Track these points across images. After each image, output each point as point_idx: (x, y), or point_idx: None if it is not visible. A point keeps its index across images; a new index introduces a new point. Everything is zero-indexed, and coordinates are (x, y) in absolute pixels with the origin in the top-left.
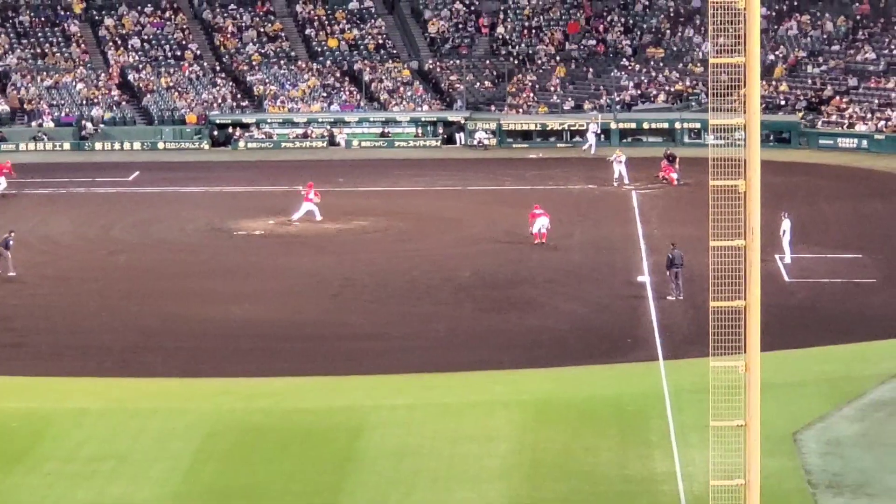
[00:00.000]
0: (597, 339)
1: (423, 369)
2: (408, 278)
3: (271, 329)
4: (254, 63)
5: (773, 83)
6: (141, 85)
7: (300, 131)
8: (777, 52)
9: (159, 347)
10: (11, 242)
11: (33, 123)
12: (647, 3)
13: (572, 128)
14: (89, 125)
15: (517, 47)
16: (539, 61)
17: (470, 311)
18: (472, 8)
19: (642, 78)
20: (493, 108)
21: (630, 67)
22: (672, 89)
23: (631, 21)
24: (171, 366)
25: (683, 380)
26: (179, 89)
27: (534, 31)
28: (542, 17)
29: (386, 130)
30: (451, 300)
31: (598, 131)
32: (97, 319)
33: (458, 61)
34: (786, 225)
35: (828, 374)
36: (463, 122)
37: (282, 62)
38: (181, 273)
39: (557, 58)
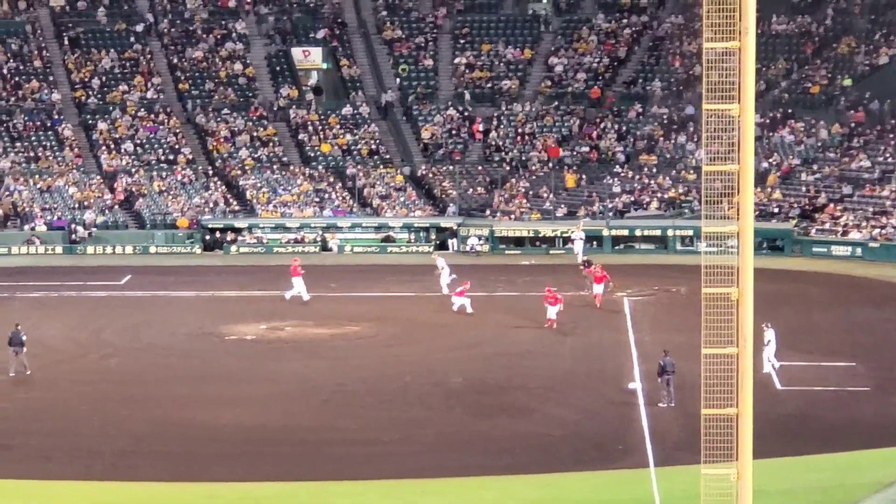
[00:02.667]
0: (588, 446)
1: (413, 475)
2: (399, 384)
3: (262, 434)
4: (246, 167)
5: (767, 190)
6: (133, 189)
7: (292, 236)
8: (771, 160)
9: (149, 452)
10: (24, 337)
11: (26, 227)
12: (640, 110)
13: (565, 234)
14: (81, 229)
15: (510, 153)
16: (532, 167)
17: (460, 416)
18: (466, 114)
19: (635, 185)
20: (487, 212)
21: (623, 174)
22: (665, 196)
23: (624, 128)
24: (160, 470)
25: (675, 487)
26: (172, 193)
27: (527, 137)
28: (535, 124)
29: (391, 234)
30: (442, 405)
31: (584, 238)
32: (87, 423)
33: (451, 167)
34: (769, 335)
35: (820, 482)
36: (456, 227)
37: (274, 167)
38: (172, 377)
39: (550, 164)
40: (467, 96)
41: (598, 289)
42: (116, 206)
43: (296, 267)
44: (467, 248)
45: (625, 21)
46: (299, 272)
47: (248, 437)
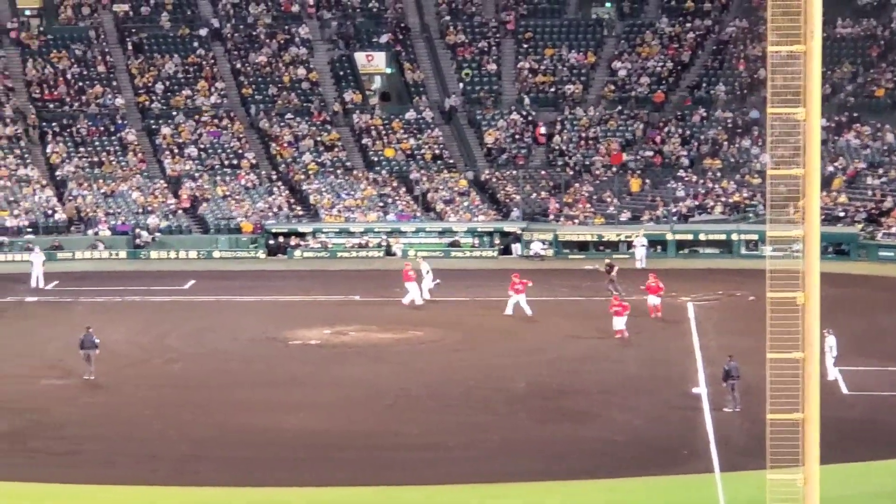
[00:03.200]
0: (652, 451)
1: (476, 479)
2: (463, 388)
3: (325, 439)
4: (310, 172)
5: (832, 194)
6: (197, 193)
7: (356, 241)
8: (836, 164)
9: (212, 457)
10: (97, 340)
11: (89, 232)
12: (704, 114)
13: (628, 239)
14: (145, 234)
15: (573, 158)
16: (596, 171)
17: (524, 421)
18: (529, 118)
19: (699, 189)
20: (550, 217)
21: (687, 178)
22: (729, 200)
23: (688, 132)
24: (223, 475)
25: (740, 493)
26: (235, 198)
27: (590, 141)
28: (598, 128)
29: (457, 239)
30: (506, 410)
31: (646, 243)
32: (151, 428)
33: (514, 171)
34: (830, 342)
35: (888, 488)
36: (519, 232)
37: (338, 171)
38: (235, 382)
39: (613, 169)
40: (526, 100)
41: (654, 300)
42: (180, 211)
43: (407, 272)
44: (531, 253)
45: (688, 25)
46: (411, 277)
47: (311, 442)
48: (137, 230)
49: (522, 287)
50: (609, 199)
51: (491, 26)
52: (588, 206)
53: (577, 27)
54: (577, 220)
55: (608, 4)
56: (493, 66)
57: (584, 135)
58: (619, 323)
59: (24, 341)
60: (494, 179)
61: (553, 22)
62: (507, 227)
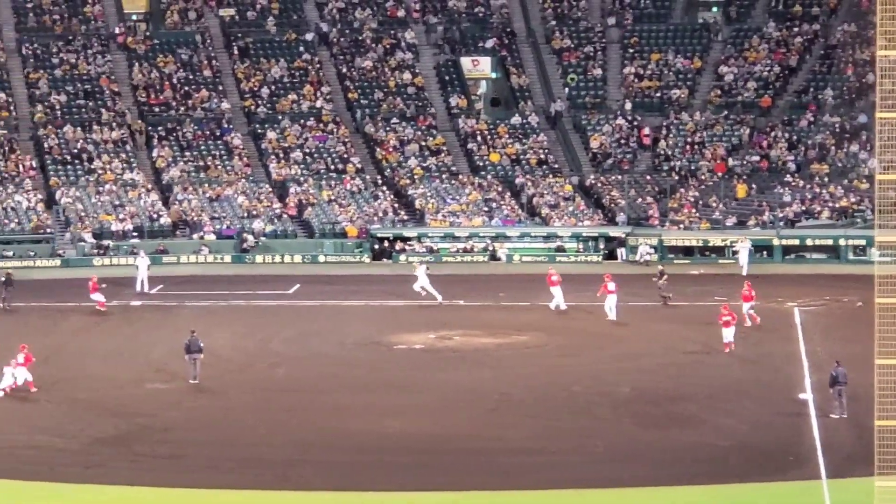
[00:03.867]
0: (757, 457)
1: (580, 485)
2: (566, 393)
3: (428, 443)
4: (415, 177)
5: None
6: (302, 198)
7: (461, 245)
8: None
9: (316, 461)
10: (202, 343)
11: (195, 236)
12: (811, 119)
13: (734, 244)
14: (250, 238)
15: (679, 162)
16: (702, 176)
17: (629, 426)
18: (634, 123)
19: (806, 194)
20: (655, 222)
21: (794, 183)
22: (837, 206)
23: (795, 137)
24: (327, 479)
25: (847, 499)
26: (341, 202)
27: (696, 146)
28: (704, 133)
29: (562, 244)
30: (610, 415)
31: (751, 248)
32: (255, 432)
33: (619, 176)
34: None
35: None
36: (624, 237)
37: (443, 176)
38: (340, 386)
39: (719, 175)
40: (628, 105)
41: (745, 307)
42: (285, 215)
43: (551, 276)
44: (637, 258)
45: (796, 29)
46: (555, 282)
47: (414, 446)
48: (243, 234)
49: (614, 289)
50: (714, 204)
51: (597, 31)
52: (693, 210)
53: (683, 32)
54: (682, 225)
55: (714, 9)
56: (598, 71)
57: (689, 140)
58: (728, 335)
59: (129, 345)
60: (599, 184)
61: (659, 27)
62: (612, 231)
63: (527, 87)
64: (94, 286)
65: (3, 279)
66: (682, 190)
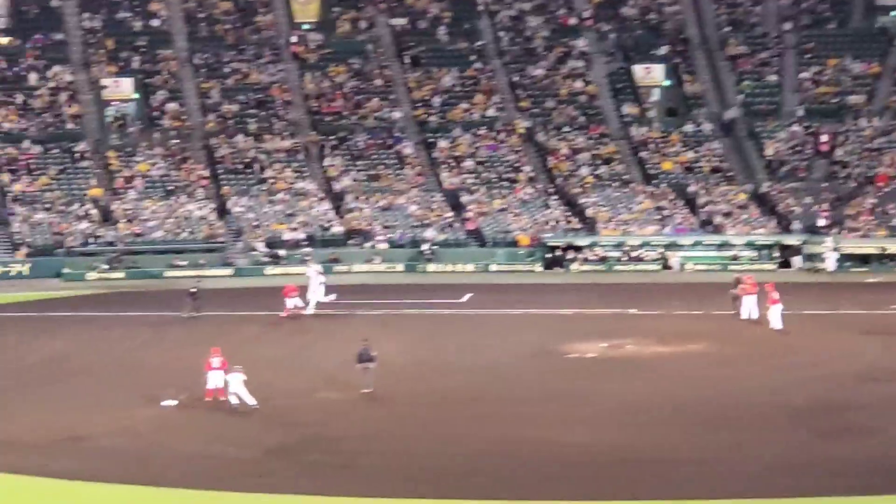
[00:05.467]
0: None
1: (753, 495)
2: (740, 403)
3: (601, 453)
4: (587, 185)
5: None
6: (474, 207)
7: (634, 254)
8: None
9: (488, 471)
10: (374, 352)
11: (367, 245)
12: None
13: None
14: (425, 246)
15: (856, 169)
16: (879, 183)
17: (803, 436)
18: (810, 130)
19: None
20: (834, 230)
21: None
22: None
23: None
24: (499, 489)
25: None
26: (512, 211)
27: (874, 153)
28: (883, 139)
29: (736, 253)
30: (784, 425)
31: None
32: (427, 442)
33: (794, 184)
34: None
35: None
36: (800, 245)
37: (615, 184)
38: (512, 396)
39: None
40: (800, 112)
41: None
42: (457, 224)
43: (745, 286)
44: (826, 267)
45: None
46: (750, 291)
47: (587, 456)
48: (423, 243)
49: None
50: (893, 211)
51: (772, 37)
52: (871, 218)
53: (861, 36)
54: (859, 233)
55: (894, 13)
56: (773, 77)
57: (867, 146)
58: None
59: (300, 355)
60: (774, 192)
61: (836, 32)
62: (787, 240)
63: (700, 94)
64: (289, 291)
65: (190, 290)
66: (860, 197)
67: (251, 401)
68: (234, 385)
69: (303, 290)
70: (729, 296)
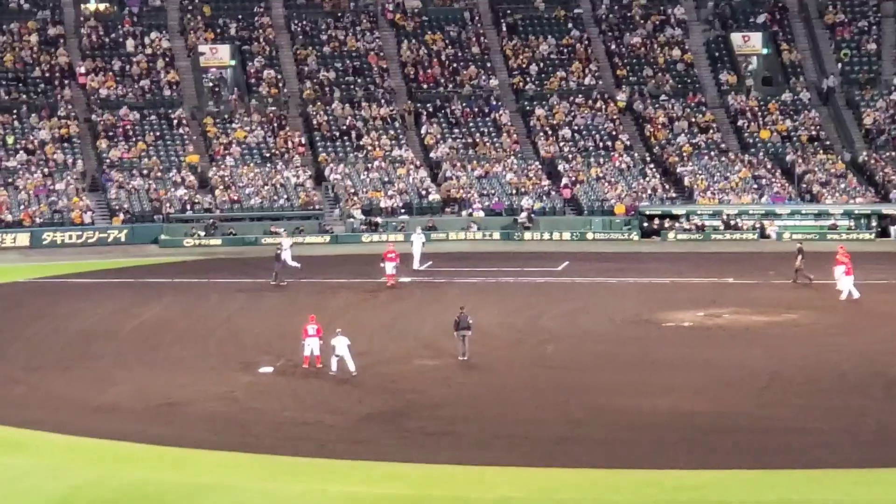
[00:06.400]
0: None
1: (850, 465)
2: (837, 372)
3: (697, 421)
4: (684, 154)
5: None
6: (570, 175)
7: (731, 223)
8: None
9: (585, 438)
10: (471, 320)
11: (464, 213)
12: None
13: None
14: (523, 215)
15: None
16: None
17: None
18: None
19: None
20: None
21: None
22: None
23: None
24: (597, 457)
25: None
26: (609, 180)
27: None
28: None
29: (834, 222)
30: (883, 395)
31: None
32: (523, 409)
33: (893, 153)
34: None
35: None
36: None
37: (713, 153)
38: (608, 364)
39: None
40: None
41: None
42: (553, 193)
43: (841, 256)
44: None
45: None
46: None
47: (684, 424)
48: (523, 211)
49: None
50: None
51: (871, 5)
52: None
53: None
54: None
55: None
56: (872, 46)
57: None
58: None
59: (398, 322)
60: (872, 161)
61: None
62: (886, 209)
63: (798, 62)
64: (389, 254)
65: (276, 253)
66: None
67: (353, 366)
68: (340, 348)
69: (405, 257)
70: (794, 265)
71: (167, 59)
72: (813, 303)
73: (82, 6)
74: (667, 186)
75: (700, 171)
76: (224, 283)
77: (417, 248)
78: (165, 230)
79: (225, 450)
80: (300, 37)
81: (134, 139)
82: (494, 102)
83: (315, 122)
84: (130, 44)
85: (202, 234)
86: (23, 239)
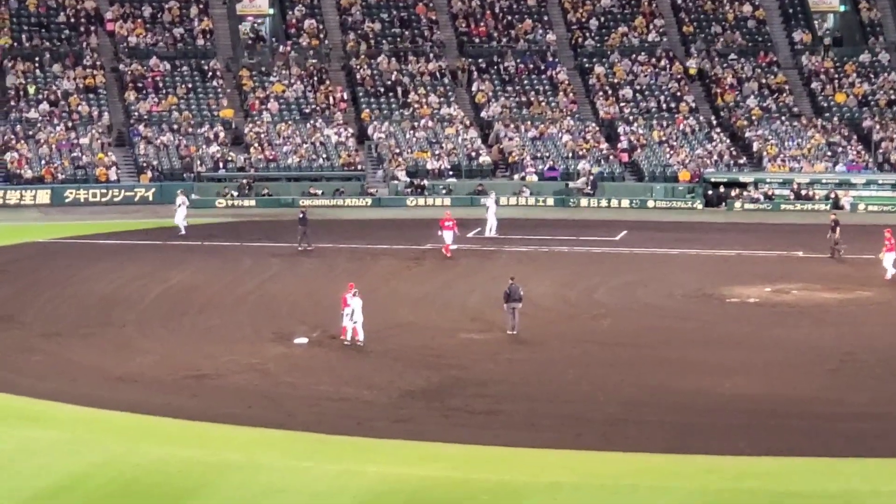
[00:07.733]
0: None
1: None
2: None
3: (763, 404)
4: (753, 118)
5: None
6: (631, 138)
7: (802, 192)
8: None
9: (642, 420)
10: (522, 291)
11: (516, 176)
12: None
13: None
14: (581, 181)
15: None
16: None
17: None
18: None
19: None
20: None
21: None
22: None
23: None
24: (654, 440)
25: None
26: (672, 144)
27: None
28: None
29: None
30: None
31: None
32: (576, 388)
33: None
34: None
35: None
36: None
37: (784, 118)
38: (667, 341)
39: None
40: None
41: None
42: (612, 157)
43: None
44: None
45: None
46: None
47: (747, 407)
48: (577, 177)
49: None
50: None
51: None
52: None
53: None
54: None
55: None
56: None
57: None
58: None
59: (443, 292)
60: None
61: None
62: None
63: (878, 21)
64: (446, 221)
65: (300, 216)
66: None
67: (361, 335)
68: (358, 312)
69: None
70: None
71: (201, 6)
72: (888, 280)
73: None
74: (734, 152)
75: (770, 137)
76: (257, 247)
77: (492, 214)
78: (196, 189)
79: (255, 426)
80: None
81: (164, 91)
82: (551, 59)
83: (358, 76)
84: None
85: (235, 194)
86: (43, 196)
